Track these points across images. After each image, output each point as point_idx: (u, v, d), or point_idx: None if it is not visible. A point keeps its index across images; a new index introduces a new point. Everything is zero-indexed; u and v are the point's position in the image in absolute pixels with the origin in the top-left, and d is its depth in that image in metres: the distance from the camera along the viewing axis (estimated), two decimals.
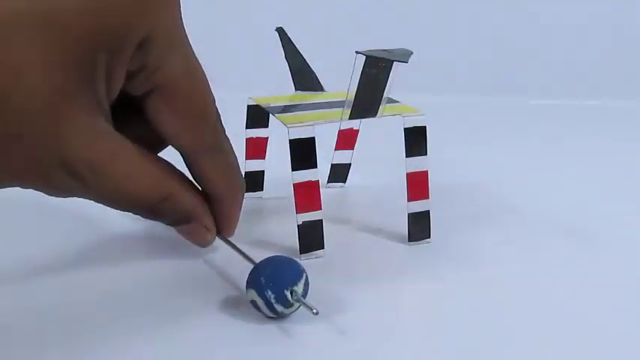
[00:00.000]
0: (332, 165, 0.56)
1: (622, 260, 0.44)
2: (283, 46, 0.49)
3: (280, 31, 0.48)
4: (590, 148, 0.74)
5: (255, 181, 0.53)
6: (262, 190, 0.54)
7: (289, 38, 0.48)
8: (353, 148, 0.55)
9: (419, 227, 0.45)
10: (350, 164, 0.56)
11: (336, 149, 0.55)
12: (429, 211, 0.44)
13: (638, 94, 0.98)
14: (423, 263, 0.42)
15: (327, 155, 0.54)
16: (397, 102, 0.46)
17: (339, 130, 0.54)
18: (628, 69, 1.02)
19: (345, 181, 0.57)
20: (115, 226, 0.46)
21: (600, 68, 1.01)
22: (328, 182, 0.56)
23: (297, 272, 0.32)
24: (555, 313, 0.36)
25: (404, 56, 0.39)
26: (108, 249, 0.44)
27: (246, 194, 0.55)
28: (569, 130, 0.84)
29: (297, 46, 0.48)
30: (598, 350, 0.33)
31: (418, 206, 0.44)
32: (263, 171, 0.53)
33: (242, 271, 0.35)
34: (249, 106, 0.49)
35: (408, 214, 0.44)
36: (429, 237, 0.45)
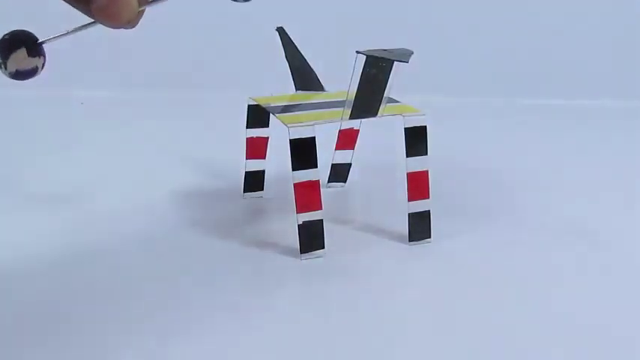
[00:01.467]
0: (332, 165, 0.56)
1: (622, 259, 0.43)
2: (283, 46, 0.49)
3: (280, 31, 0.48)
4: (590, 148, 0.75)
5: (255, 181, 0.53)
6: (262, 190, 0.54)
7: (289, 38, 0.48)
8: (353, 148, 0.55)
9: (419, 227, 0.45)
10: (350, 164, 0.56)
11: (336, 149, 0.55)
12: (429, 211, 0.44)
13: (638, 94, 0.98)
14: (423, 263, 0.42)
15: (327, 155, 0.54)
16: (397, 102, 0.46)
17: (340, 130, 0.54)
18: (628, 69, 1.02)
19: (345, 181, 0.57)
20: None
21: (600, 68, 1.01)
22: (328, 182, 0.56)
23: None
24: (556, 312, 0.36)
25: (404, 56, 0.39)
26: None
27: (246, 194, 0.56)
28: (569, 130, 0.84)
29: (297, 46, 0.48)
30: (597, 348, 0.33)
31: (418, 206, 0.44)
32: (263, 171, 0.53)
33: None
34: (249, 106, 0.49)
35: (408, 214, 0.44)
36: (429, 237, 0.45)
